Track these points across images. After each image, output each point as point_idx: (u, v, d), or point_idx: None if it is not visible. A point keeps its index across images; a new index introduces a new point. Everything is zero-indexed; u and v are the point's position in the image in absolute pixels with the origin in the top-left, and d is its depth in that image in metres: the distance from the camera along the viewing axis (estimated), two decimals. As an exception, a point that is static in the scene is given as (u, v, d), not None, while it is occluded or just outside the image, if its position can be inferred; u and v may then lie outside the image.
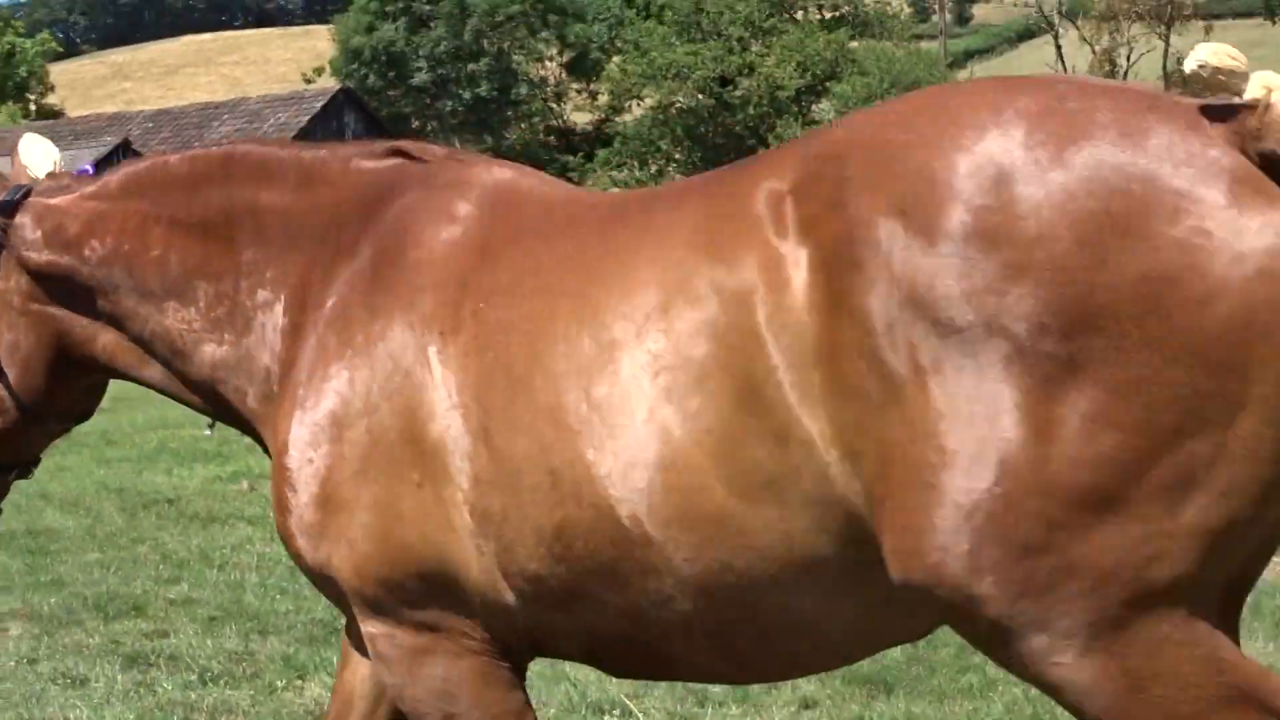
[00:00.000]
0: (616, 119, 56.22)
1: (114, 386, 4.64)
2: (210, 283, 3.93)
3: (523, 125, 59.49)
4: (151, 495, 14.11)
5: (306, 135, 52.51)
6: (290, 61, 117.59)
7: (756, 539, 3.00)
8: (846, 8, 57.23)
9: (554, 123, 60.31)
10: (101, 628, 8.84)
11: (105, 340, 4.16)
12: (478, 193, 3.68)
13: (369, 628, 3.59)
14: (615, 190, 2.95)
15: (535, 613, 3.39)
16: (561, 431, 3.18)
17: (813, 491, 2.93)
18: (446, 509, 3.35)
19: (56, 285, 4.13)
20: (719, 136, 49.27)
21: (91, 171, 4.26)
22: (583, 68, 60.16)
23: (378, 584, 3.48)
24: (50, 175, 4.32)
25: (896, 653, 7.28)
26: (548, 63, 60.47)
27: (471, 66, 57.62)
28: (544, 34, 59.00)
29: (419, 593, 3.46)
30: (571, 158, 53.88)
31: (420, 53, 57.75)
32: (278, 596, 9.59)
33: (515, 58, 58.75)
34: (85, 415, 4.55)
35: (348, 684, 3.98)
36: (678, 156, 50.96)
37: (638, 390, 3.08)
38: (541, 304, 3.30)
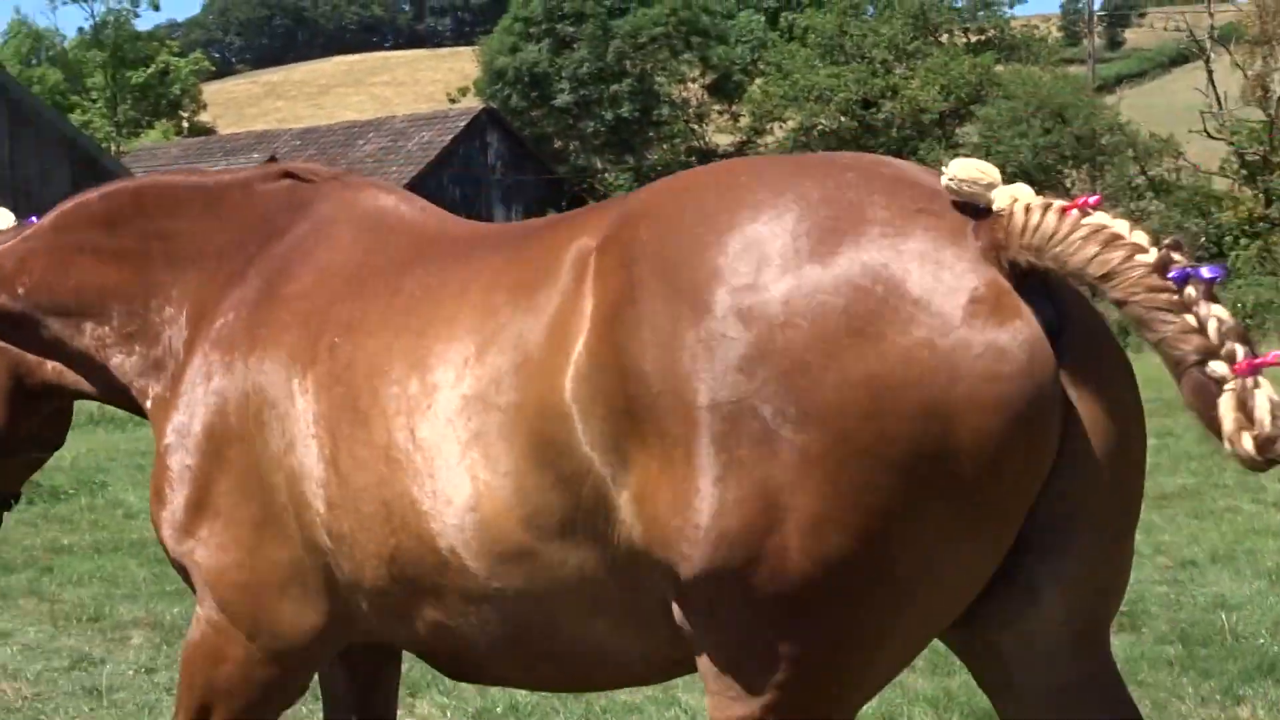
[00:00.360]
0: (758, 140, 56.07)
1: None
2: (123, 303, 4.25)
3: (664, 146, 59.52)
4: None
5: (450, 155, 53.13)
6: (439, 82, 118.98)
7: (553, 572, 3.21)
8: (993, 31, 56.67)
9: (695, 144, 60.23)
10: (220, 636, 8.91)
11: (50, 365, 4.45)
12: (356, 222, 3.97)
13: (200, 609, 3.90)
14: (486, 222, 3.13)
15: (380, 622, 3.68)
16: (393, 467, 3.42)
17: (605, 531, 3.09)
18: (310, 530, 3.62)
19: (1, 322, 4.42)
20: (862, 160, 49.02)
21: (34, 220, 4.60)
22: (725, 89, 60.07)
23: (232, 589, 3.77)
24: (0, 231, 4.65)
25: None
26: (690, 84, 60.46)
27: (614, 87, 57.82)
28: (686, 56, 58.99)
29: (261, 603, 3.76)
30: (712, 179, 53.86)
31: (563, 73, 58.10)
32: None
33: (657, 79, 58.83)
34: (56, 443, 4.84)
35: None
36: (818, 179, 50.77)
37: (452, 433, 3.29)
38: (384, 342, 3.53)
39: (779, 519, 2.72)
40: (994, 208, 2.86)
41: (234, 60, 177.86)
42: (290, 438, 3.64)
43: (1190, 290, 2.72)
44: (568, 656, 3.46)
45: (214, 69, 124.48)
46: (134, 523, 13.39)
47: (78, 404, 4.78)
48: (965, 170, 2.90)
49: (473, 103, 66.82)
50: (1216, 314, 2.70)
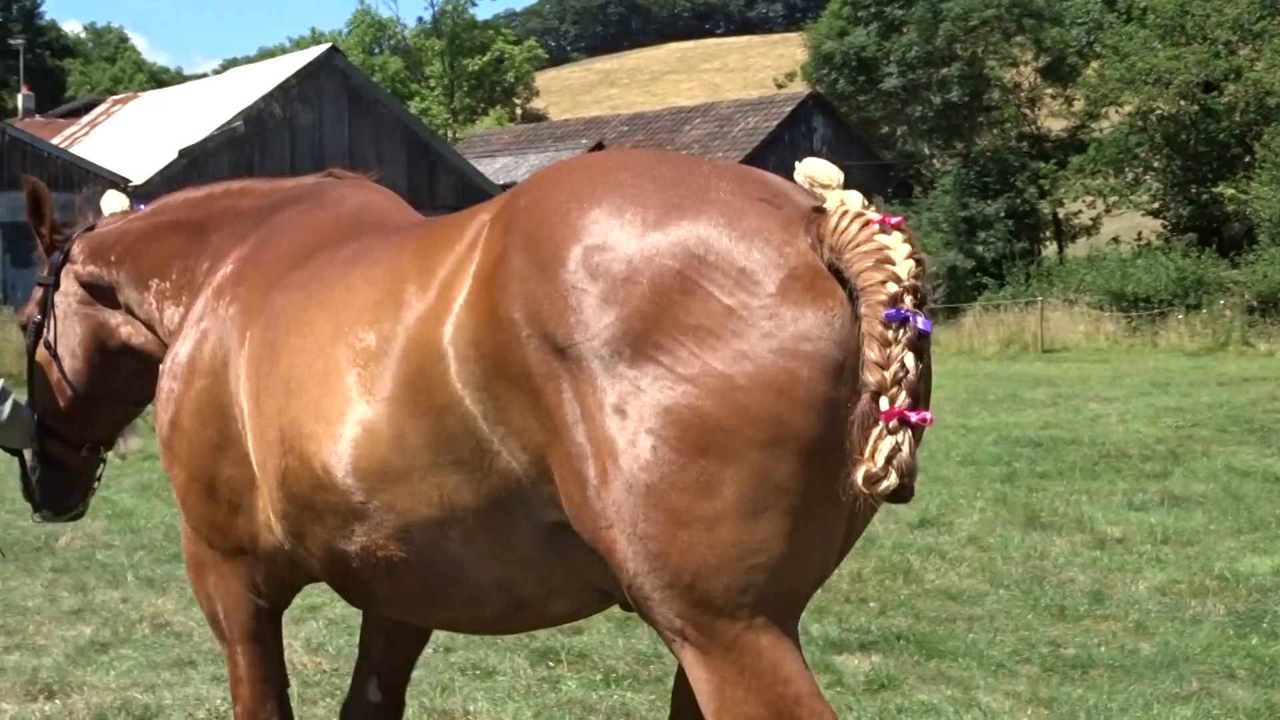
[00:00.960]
0: (1092, 125, 54.16)
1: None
2: (180, 260, 5.02)
3: (994, 131, 58.02)
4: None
5: (775, 140, 53.04)
6: (769, 69, 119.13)
7: (422, 497, 3.65)
8: (1350, 7, 53.34)
9: (1026, 129, 58.59)
10: (519, 619, 8.95)
11: (127, 329, 5.25)
12: (340, 209, 4.69)
13: (182, 525, 4.63)
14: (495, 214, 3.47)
15: (290, 544, 4.19)
16: (289, 397, 3.98)
17: (470, 458, 3.54)
18: (244, 458, 4.22)
19: (94, 289, 5.27)
20: (1201, 144, 46.63)
21: (141, 208, 5.43)
22: (1058, 72, 58.13)
23: (193, 501, 4.42)
24: (113, 215, 5.48)
25: None
26: (1022, 68, 58.79)
27: (943, 71, 56.60)
28: (1019, 39, 57.35)
29: (219, 517, 4.36)
30: (1044, 164, 52.21)
31: (891, 57, 57.16)
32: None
33: (988, 63, 57.39)
34: (141, 399, 5.46)
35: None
36: (1155, 164, 48.60)
37: (344, 369, 3.82)
38: (307, 293, 4.13)
39: (632, 433, 3.19)
40: (825, 207, 3.30)
41: (569, 48, 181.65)
42: (238, 376, 4.25)
43: (901, 332, 3.11)
44: (431, 579, 3.87)
45: (548, 57, 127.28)
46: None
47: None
48: (813, 169, 3.42)
49: (799, 88, 66.54)
50: (903, 359, 3.11)
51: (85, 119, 55.26)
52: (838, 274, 3.22)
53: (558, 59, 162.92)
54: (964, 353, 35.49)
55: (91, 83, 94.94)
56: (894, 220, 3.29)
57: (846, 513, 3.35)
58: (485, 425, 3.50)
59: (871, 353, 3.14)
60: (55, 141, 47.91)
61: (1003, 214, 49.84)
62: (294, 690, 7.31)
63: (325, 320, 3.98)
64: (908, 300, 3.17)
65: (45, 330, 5.31)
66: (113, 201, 5.56)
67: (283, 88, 44.18)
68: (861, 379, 3.13)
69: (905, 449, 3.10)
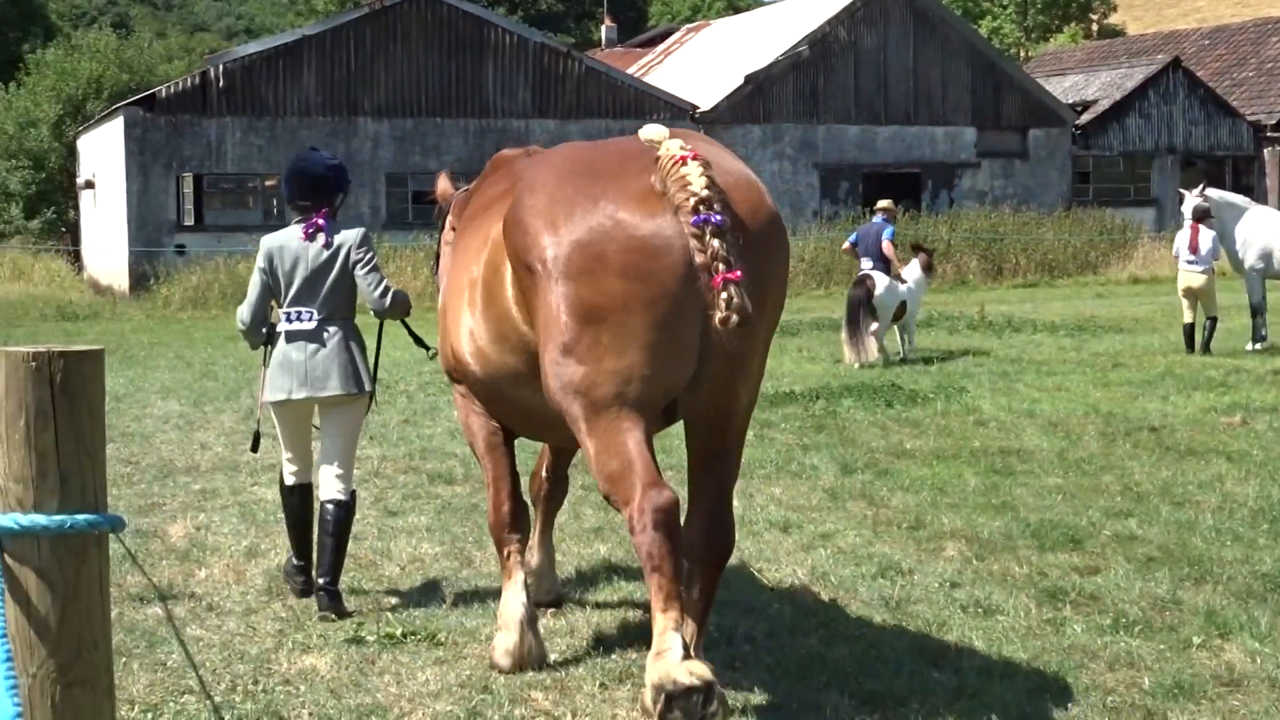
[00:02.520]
0: None
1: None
2: (460, 207, 7.71)
3: None
4: (1138, 421, 13.66)
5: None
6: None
7: (497, 360, 6.35)
8: None
9: None
10: (1033, 557, 8.61)
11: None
12: (512, 174, 6.84)
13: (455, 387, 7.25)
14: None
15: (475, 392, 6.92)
16: (446, 312, 6.86)
17: (516, 341, 6.12)
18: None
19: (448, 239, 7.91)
20: None
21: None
22: None
23: (449, 368, 7.01)
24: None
25: None
26: None
27: None
28: None
29: (464, 379, 6.86)
30: None
31: None
32: (1229, 543, 8.87)
33: None
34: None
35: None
36: None
37: (463, 290, 6.61)
38: (461, 239, 7.08)
39: (556, 312, 5.55)
40: (659, 155, 5.58)
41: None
42: (463, 287, 6.68)
43: (707, 229, 5.30)
44: (532, 414, 6.40)
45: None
46: (982, 430, 13.33)
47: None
48: (648, 132, 5.86)
49: None
50: (713, 244, 5.28)
51: (660, 48, 57.25)
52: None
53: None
54: None
55: (672, 12, 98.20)
56: (690, 154, 5.49)
57: (687, 350, 5.51)
58: (520, 318, 6.04)
59: (695, 244, 5.34)
60: (631, 70, 49.89)
61: None
62: (787, 618, 7.32)
63: (458, 258, 6.92)
64: (702, 209, 5.33)
65: (438, 258, 8.18)
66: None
67: (848, 10, 44.16)
68: (696, 261, 5.35)
69: (735, 297, 5.23)
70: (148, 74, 57.41)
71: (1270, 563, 8.35)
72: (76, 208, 49.79)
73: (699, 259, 5.25)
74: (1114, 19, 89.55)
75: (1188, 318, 19.83)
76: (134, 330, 28.11)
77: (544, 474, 7.88)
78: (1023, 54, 78.82)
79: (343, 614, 7.54)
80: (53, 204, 52.24)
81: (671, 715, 4.95)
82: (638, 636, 6.98)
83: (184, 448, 13.03)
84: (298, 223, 7.90)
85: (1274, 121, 48.83)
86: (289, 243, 7.84)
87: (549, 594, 7.70)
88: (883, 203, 21.48)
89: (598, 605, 7.77)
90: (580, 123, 40.94)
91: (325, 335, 7.72)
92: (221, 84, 38.12)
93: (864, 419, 14.03)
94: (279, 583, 8.23)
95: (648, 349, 5.37)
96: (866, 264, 20.08)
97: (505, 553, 6.92)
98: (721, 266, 5.20)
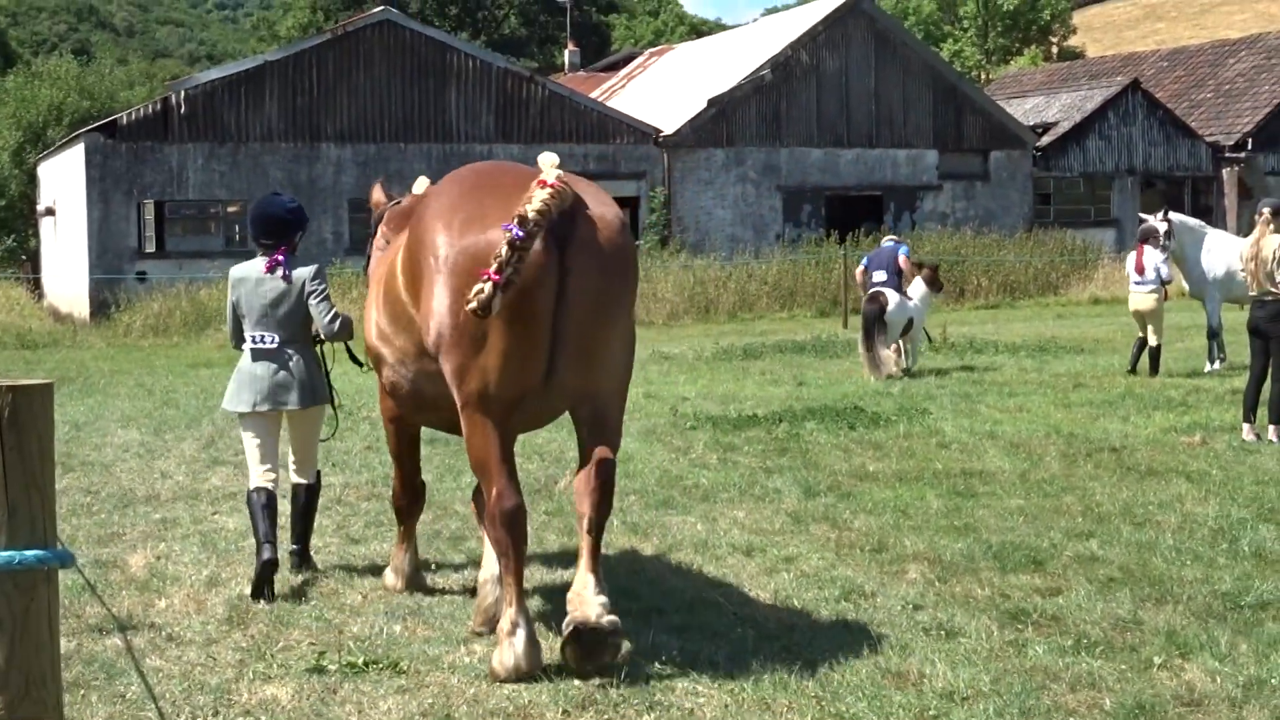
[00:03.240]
0: None
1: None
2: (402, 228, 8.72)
3: None
4: (1099, 442, 13.72)
5: (1333, 67, 49.01)
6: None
7: (402, 351, 7.70)
8: None
9: None
10: (995, 579, 8.64)
11: None
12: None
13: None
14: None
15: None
16: (369, 299, 8.38)
17: (408, 327, 7.48)
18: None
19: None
20: None
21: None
22: None
23: (370, 358, 8.48)
24: (413, 195, 9.02)
25: None
26: None
27: None
28: None
29: (375, 364, 8.38)
30: None
31: None
32: (1189, 562, 8.92)
33: None
34: None
35: None
36: None
37: (373, 291, 8.23)
38: (389, 250, 8.48)
39: (428, 317, 7.10)
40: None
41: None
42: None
43: (506, 236, 6.58)
44: (422, 397, 7.73)
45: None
46: (944, 452, 13.36)
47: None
48: (544, 159, 7.01)
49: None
50: (501, 249, 6.54)
51: (623, 72, 57.40)
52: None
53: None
54: None
55: (635, 36, 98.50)
56: (546, 180, 6.77)
57: (539, 348, 6.83)
58: (409, 301, 7.37)
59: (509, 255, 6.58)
60: (594, 94, 50.00)
61: None
62: (749, 643, 7.32)
63: (377, 265, 8.73)
64: (515, 222, 6.58)
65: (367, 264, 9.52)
66: (422, 182, 9.00)
67: (810, 34, 44.38)
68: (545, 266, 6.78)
69: (485, 292, 6.51)
70: (109, 100, 57.34)
71: (1230, 582, 8.40)
72: (37, 235, 49.57)
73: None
74: (1073, 41, 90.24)
75: (1140, 336, 19.84)
76: (94, 358, 27.94)
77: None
78: (983, 76, 79.35)
79: (312, 567, 9.27)
80: (13, 231, 52.03)
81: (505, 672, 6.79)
82: (601, 666, 6.97)
83: (144, 476, 12.95)
84: (261, 257, 8.97)
85: (1232, 142, 49.25)
86: (251, 274, 8.97)
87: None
88: (891, 236, 23.06)
89: (560, 632, 7.73)
90: (544, 147, 40.85)
91: (285, 356, 8.91)
92: (183, 110, 38.02)
93: (827, 442, 14.05)
94: (240, 612, 8.19)
95: (508, 343, 6.77)
96: (879, 277, 20.46)
97: (402, 520, 8.80)
98: (493, 265, 6.53)
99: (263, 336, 8.85)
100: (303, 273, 8.90)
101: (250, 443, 9.02)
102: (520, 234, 6.50)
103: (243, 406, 8.91)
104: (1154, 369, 19.44)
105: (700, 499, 11.31)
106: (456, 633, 7.70)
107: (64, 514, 11.01)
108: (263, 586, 8.50)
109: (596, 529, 7.04)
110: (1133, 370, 19.54)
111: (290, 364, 8.86)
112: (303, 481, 9.26)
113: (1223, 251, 20.24)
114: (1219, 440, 13.73)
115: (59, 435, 15.27)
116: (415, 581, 8.71)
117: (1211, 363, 20.12)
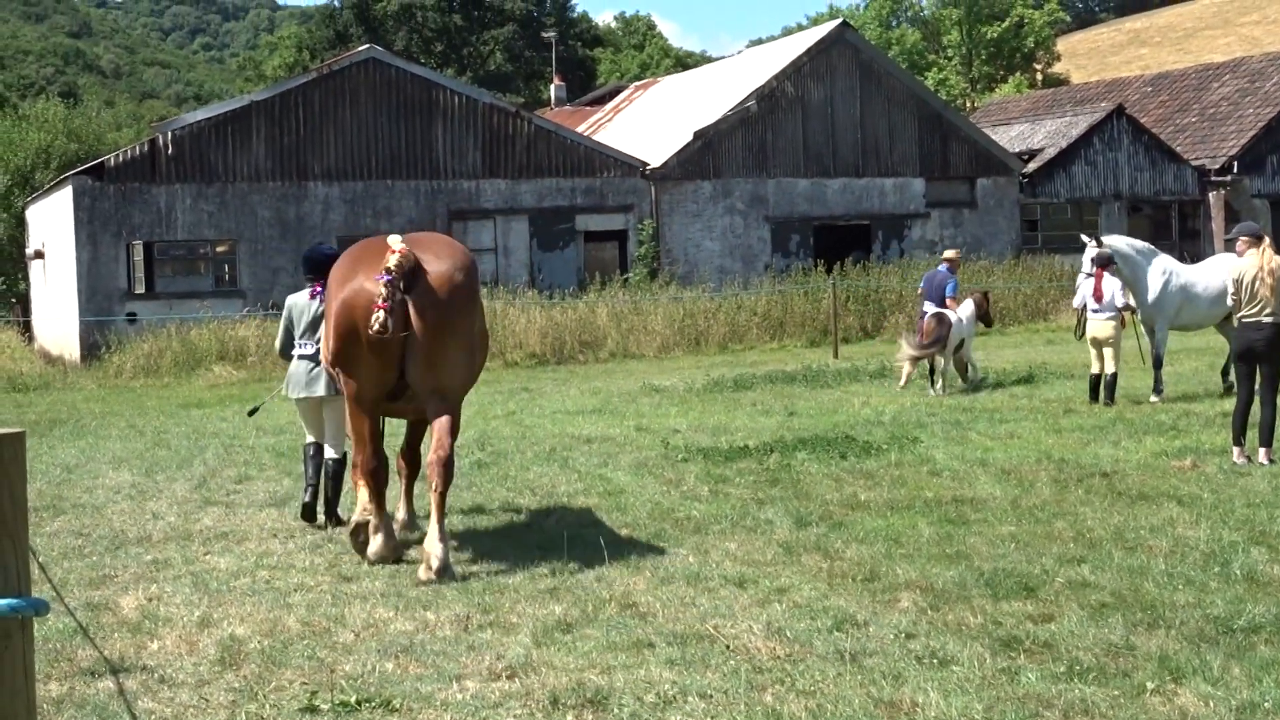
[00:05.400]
0: None
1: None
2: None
3: None
4: (1090, 467, 13.75)
5: (1316, 90, 49.22)
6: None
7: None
8: None
9: None
10: (988, 606, 8.64)
11: None
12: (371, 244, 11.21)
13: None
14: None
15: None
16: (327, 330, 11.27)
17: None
18: None
19: None
20: None
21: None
22: None
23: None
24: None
25: None
26: None
27: None
28: None
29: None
30: None
31: None
32: (1181, 587, 8.93)
33: None
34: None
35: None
36: None
37: (329, 320, 10.99)
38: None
39: (336, 335, 10.75)
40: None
41: (1098, 9, 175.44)
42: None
43: (380, 282, 10.14)
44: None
45: (1069, 20, 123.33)
46: (935, 479, 13.38)
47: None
48: (392, 240, 10.55)
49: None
50: (380, 288, 10.10)
51: (609, 106, 57.53)
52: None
53: (1085, 20, 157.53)
54: None
55: (620, 70, 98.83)
56: (398, 249, 10.28)
57: (392, 361, 10.32)
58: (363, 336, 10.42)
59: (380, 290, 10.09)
60: (581, 128, 50.12)
61: None
62: (742, 674, 7.31)
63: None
64: (382, 273, 10.10)
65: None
66: (392, 239, 10.99)
67: (795, 65, 44.51)
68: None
69: (382, 316, 9.93)
70: (96, 142, 57.31)
71: (1222, 606, 8.41)
72: (26, 278, 49.50)
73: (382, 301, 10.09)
74: (1058, 68, 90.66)
75: (1095, 368, 19.68)
76: (85, 400, 27.89)
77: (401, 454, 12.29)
78: (969, 104, 79.65)
79: (340, 522, 12.13)
80: (2, 275, 51.91)
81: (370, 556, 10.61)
82: (595, 701, 6.96)
83: (136, 518, 12.92)
84: (308, 288, 12.50)
85: (1218, 166, 49.42)
86: (301, 300, 12.61)
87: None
88: (949, 253, 23.69)
89: (553, 667, 7.73)
90: (531, 182, 41.08)
91: (318, 358, 12.09)
92: (171, 151, 38.05)
93: (818, 471, 14.06)
94: (232, 652, 8.18)
95: (368, 360, 10.41)
96: (929, 307, 22.16)
97: (368, 490, 10.86)
98: (379, 299, 10.04)
99: (305, 343, 12.36)
100: None
101: (302, 418, 12.83)
102: (388, 278, 10.12)
103: (290, 394, 12.54)
104: (1110, 397, 19.28)
105: (692, 531, 11.32)
106: (449, 670, 7.68)
107: (56, 557, 11.00)
108: (306, 517, 12.23)
109: (440, 494, 10.18)
110: (1094, 399, 19.37)
111: (320, 364, 12.05)
112: (334, 455, 12.42)
113: (1176, 276, 20.09)
114: (1210, 464, 13.76)
115: (51, 478, 15.27)
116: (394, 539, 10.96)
117: (1157, 393, 19.72)
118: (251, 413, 15.44)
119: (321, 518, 12.30)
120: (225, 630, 8.70)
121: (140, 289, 38.36)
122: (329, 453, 12.33)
